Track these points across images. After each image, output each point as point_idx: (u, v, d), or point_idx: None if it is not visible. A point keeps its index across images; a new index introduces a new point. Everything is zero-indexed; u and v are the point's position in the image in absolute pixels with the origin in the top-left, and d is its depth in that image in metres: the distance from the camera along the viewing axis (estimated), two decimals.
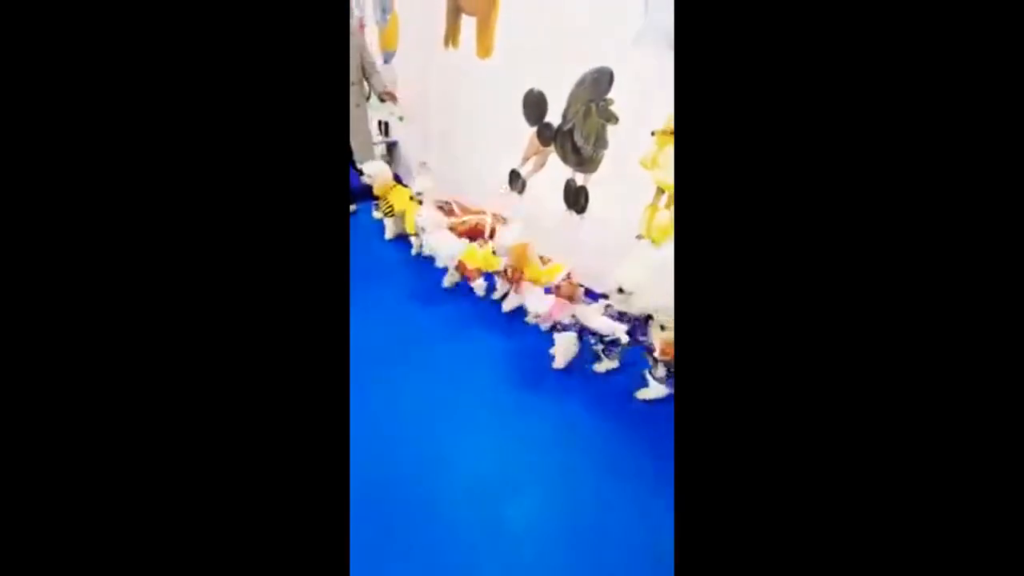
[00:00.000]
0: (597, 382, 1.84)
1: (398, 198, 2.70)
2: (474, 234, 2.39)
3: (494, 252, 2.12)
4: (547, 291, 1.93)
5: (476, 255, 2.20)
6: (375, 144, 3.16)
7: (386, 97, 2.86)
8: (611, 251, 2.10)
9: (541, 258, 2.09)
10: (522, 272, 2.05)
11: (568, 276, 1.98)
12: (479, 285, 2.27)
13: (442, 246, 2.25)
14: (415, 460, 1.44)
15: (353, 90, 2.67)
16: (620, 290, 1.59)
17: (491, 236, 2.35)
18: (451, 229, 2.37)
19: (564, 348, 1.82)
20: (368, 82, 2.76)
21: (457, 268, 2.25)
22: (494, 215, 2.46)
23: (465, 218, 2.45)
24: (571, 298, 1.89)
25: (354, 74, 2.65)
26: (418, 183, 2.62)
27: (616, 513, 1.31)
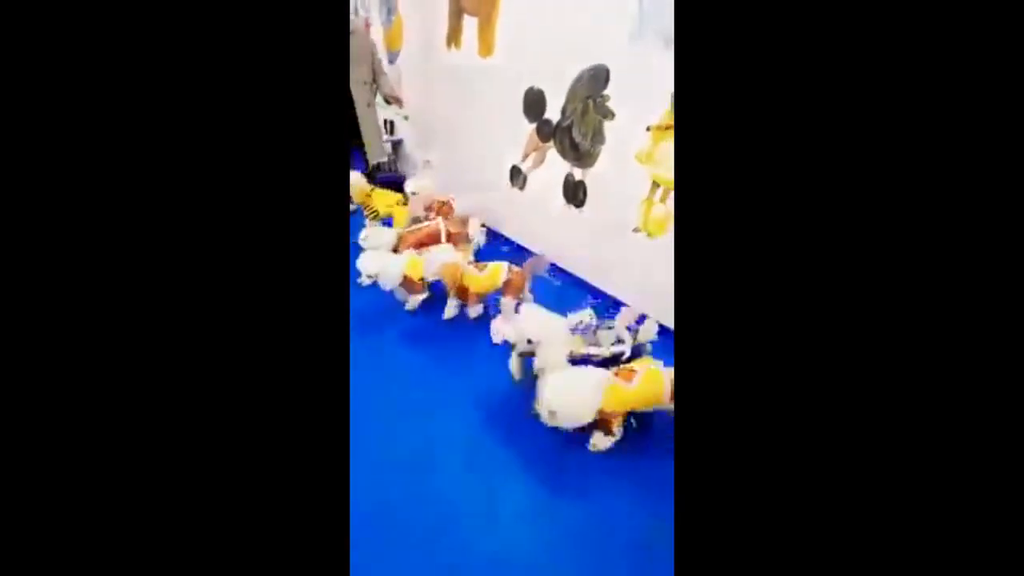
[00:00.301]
0: None
1: (380, 201, 2.69)
2: (430, 242, 2.29)
3: (423, 278, 2.02)
4: (500, 294, 1.94)
5: (419, 266, 2.02)
6: (384, 142, 3.23)
7: (392, 100, 2.92)
8: (609, 244, 2.16)
9: (477, 264, 2.05)
10: (465, 288, 1.99)
11: (510, 268, 1.98)
12: (415, 300, 2.11)
13: (382, 267, 1.93)
14: (412, 458, 1.45)
15: (365, 89, 2.72)
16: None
17: (448, 240, 2.29)
18: (401, 240, 2.25)
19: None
20: (376, 83, 2.82)
21: (403, 284, 2.02)
22: (447, 219, 2.43)
23: (415, 227, 2.36)
24: (523, 282, 1.91)
25: (368, 74, 2.71)
26: (412, 184, 2.64)
27: (616, 520, 1.30)
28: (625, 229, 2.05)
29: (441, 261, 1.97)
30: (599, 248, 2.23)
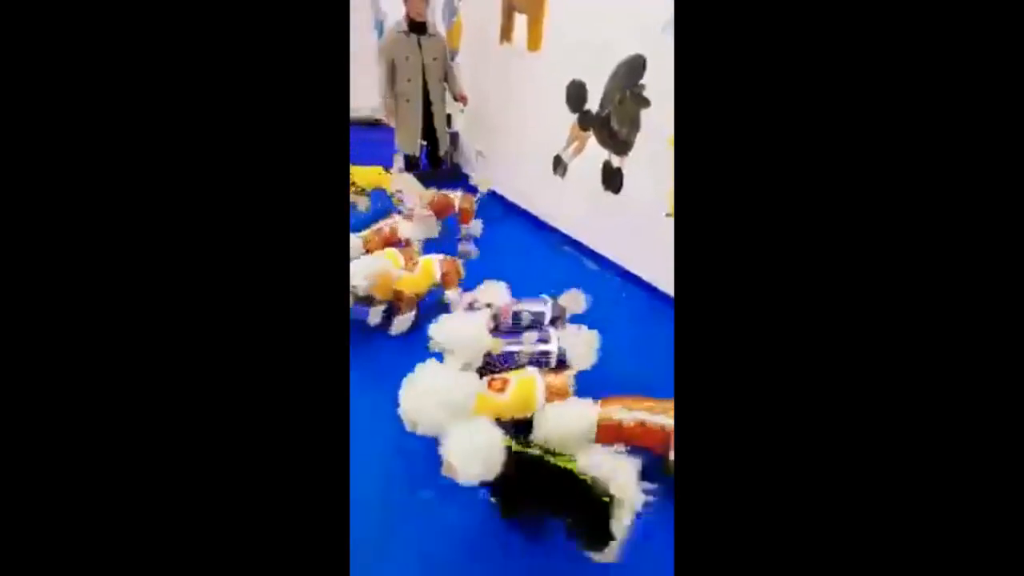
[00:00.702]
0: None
1: (361, 177, 2.70)
2: (391, 242, 2.22)
3: (353, 285, 1.79)
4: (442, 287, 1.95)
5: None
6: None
7: (460, 98, 3.17)
8: (644, 228, 2.24)
9: (407, 264, 1.95)
10: (400, 294, 1.89)
11: (443, 259, 1.94)
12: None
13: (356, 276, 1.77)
14: (413, 457, 1.47)
15: (440, 87, 2.99)
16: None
17: (407, 244, 2.20)
18: (365, 242, 2.18)
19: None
20: (447, 83, 3.08)
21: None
22: (399, 214, 2.39)
23: (377, 227, 2.27)
24: (458, 270, 1.96)
25: (442, 74, 2.97)
26: (397, 180, 2.71)
27: None
28: (658, 213, 2.12)
29: (370, 271, 1.78)
30: (633, 232, 2.32)
